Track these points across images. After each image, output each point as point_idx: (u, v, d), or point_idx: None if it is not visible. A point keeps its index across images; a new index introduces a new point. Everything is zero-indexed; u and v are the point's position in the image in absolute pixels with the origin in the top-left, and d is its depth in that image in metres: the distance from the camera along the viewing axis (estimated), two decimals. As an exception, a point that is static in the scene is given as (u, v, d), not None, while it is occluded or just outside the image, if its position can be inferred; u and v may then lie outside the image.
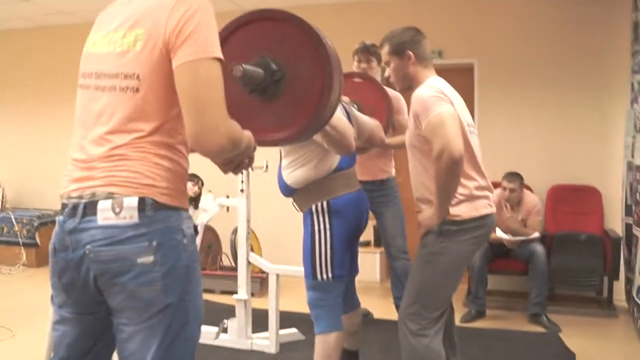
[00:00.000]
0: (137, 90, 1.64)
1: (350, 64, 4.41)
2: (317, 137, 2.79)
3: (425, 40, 2.96)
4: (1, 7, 6.56)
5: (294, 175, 3.00)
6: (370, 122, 3.30)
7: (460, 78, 6.05)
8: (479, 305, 5.03)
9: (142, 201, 1.60)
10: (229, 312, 4.25)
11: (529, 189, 5.42)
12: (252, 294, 5.32)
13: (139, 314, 1.65)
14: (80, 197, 1.65)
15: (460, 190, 2.74)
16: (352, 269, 3.18)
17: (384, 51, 2.97)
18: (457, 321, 4.82)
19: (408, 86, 2.96)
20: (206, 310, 5.24)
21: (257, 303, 4.76)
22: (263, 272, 5.00)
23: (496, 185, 5.28)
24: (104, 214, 1.60)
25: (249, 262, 4.17)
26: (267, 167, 3.96)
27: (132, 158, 1.63)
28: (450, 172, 2.60)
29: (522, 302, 5.27)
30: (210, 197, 5.86)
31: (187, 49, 1.59)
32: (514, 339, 4.40)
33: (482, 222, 2.81)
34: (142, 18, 1.67)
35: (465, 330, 4.64)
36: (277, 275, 4.13)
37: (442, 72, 5.82)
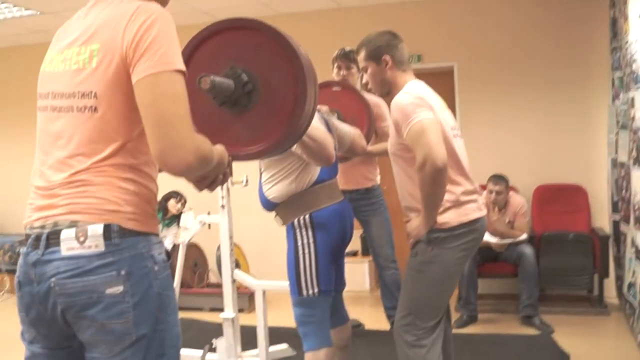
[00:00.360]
0: (96, 109, 1.55)
1: (329, 72, 4.36)
2: (296, 149, 2.72)
3: (402, 44, 2.90)
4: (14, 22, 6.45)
5: (274, 189, 2.94)
6: (350, 130, 3.23)
7: (441, 82, 6.00)
8: (470, 310, 4.98)
9: (107, 228, 1.52)
10: (219, 330, 4.16)
11: (514, 190, 5.39)
12: (242, 310, 5.26)
13: (109, 347, 1.56)
14: (42, 227, 1.57)
15: (446, 196, 2.68)
16: (339, 282, 3.12)
17: (361, 57, 2.91)
18: (449, 327, 4.80)
19: (387, 91, 2.90)
20: (195, 330, 5.19)
21: (247, 319, 4.68)
22: (251, 287, 4.92)
23: (482, 188, 5.25)
24: (68, 244, 1.52)
25: (234, 280, 4.08)
26: (247, 181, 3.89)
27: (94, 183, 1.55)
28: (434, 181, 2.54)
29: (513, 305, 5.24)
30: (191, 215, 5.75)
31: (145, 63, 1.49)
32: (508, 344, 4.35)
33: (472, 227, 2.75)
34: (97, 32, 1.58)
35: (458, 337, 4.54)
36: (264, 292, 4.05)
37: (421, 76, 5.76)
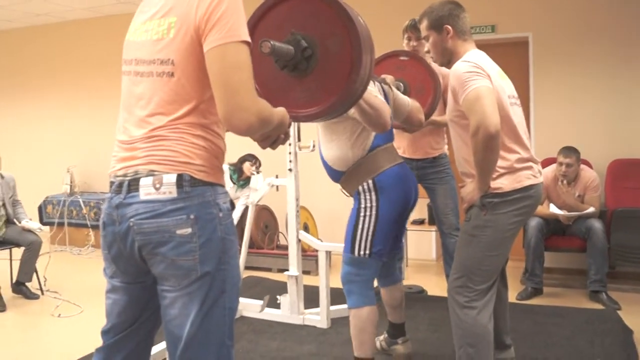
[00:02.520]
0: (172, 74, 1.75)
1: (399, 42, 4.39)
2: (354, 114, 2.81)
3: (465, 13, 2.93)
4: (61, 0, 6.84)
5: (332, 154, 3.05)
6: (409, 103, 3.29)
7: (515, 53, 5.96)
8: (535, 283, 4.96)
9: (180, 177, 1.71)
10: (284, 288, 4.35)
11: (587, 164, 5.28)
12: (308, 272, 5.45)
13: (179, 281, 1.75)
14: (125, 175, 1.77)
15: (500, 163, 2.72)
16: (395, 246, 3.20)
17: (423, 26, 2.96)
18: (513, 299, 4.81)
19: (448, 60, 2.94)
20: (262, 286, 5.40)
21: (312, 281, 4.85)
22: (318, 250, 5.08)
23: (553, 160, 5.18)
24: (146, 190, 1.72)
25: (299, 240, 4.25)
26: (314, 146, 4.01)
27: (170, 138, 1.74)
28: (487, 147, 2.58)
29: (581, 280, 5.17)
30: (260, 177, 5.97)
31: (215, 34, 1.67)
32: (569, 316, 4.32)
33: (526, 194, 2.77)
34: (174, 6, 1.77)
35: (520, 307, 4.60)
36: (328, 253, 4.19)
37: (495, 47, 5.77)
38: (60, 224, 7.41)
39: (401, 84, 3.71)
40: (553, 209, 4.98)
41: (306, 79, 2.17)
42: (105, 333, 1.96)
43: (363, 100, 2.60)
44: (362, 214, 2.99)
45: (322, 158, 3.17)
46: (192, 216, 1.71)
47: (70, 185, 7.58)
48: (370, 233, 2.97)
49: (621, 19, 5.51)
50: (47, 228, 7.26)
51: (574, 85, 5.72)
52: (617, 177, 5.45)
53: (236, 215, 5.86)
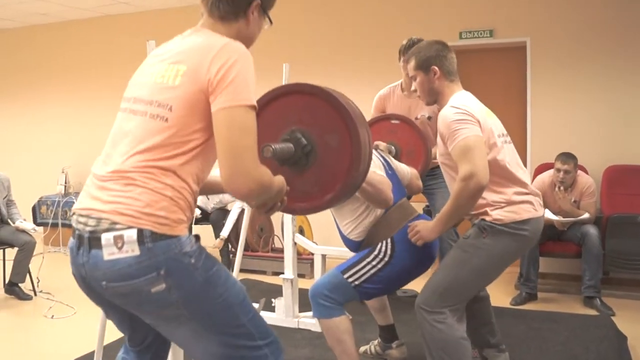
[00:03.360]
0: (166, 120, 1.74)
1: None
2: (357, 194, 2.79)
3: (452, 54, 2.95)
4: (61, 0, 6.83)
5: (356, 233, 3.06)
6: (408, 171, 3.34)
7: (513, 57, 5.98)
8: (530, 288, 4.96)
9: (140, 233, 1.65)
10: (279, 291, 4.34)
11: (583, 169, 5.29)
12: (303, 276, 5.44)
13: (170, 326, 1.77)
14: (86, 223, 1.72)
15: (497, 197, 2.76)
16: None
17: (410, 66, 2.99)
18: (507, 304, 4.82)
19: (434, 100, 2.98)
20: (257, 290, 5.38)
21: (308, 284, 4.82)
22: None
23: (550, 166, 5.19)
24: (109, 250, 1.67)
25: (294, 243, 4.24)
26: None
27: (138, 184, 1.70)
28: (473, 196, 2.62)
29: (575, 286, 5.18)
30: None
31: (225, 96, 1.69)
32: (564, 322, 4.33)
33: (525, 226, 2.78)
34: (187, 56, 1.79)
35: (514, 312, 4.61)
36: (323, 256, 4.19)
37: (493, 51, 5.78)
38: (55, 225, 7.38)
39: (393, 147, 3.77)
40: (548, 215, 4.97)
41: (305, 173, 2.16)
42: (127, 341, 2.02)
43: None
44: (374, 253, 2.97)
45: (342, 235, 3.17)
46: (162, 272, 1.66)
47: (65, 186, 7.55)
48: (372, 271, 2.95)
49: (619, 25, 5.53)
50: (41, 229, 7.22)
51: (571, 91, 5.73)
52: (612, 183, 5.47)
53: (232, 219, 5.85)
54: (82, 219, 1.73)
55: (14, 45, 8.42)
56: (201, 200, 6.20)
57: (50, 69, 8.16)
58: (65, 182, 7.57)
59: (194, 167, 1.75)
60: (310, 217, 6.08)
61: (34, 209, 7.53)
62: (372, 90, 4.63)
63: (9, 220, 5.36)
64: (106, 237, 1.66)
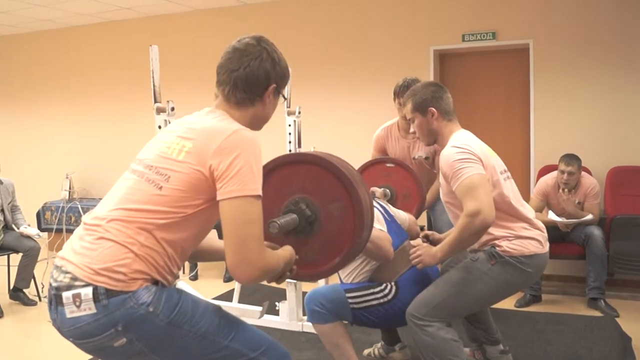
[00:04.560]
0: (160, 188, 1.78)
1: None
2: None
3: (447, 94, 3.00)
4: (64, 5, 6.85)
5: (358, 280, 3.08)
6: (407, 218, 3.37)
7: (515, 60, 5.98)
8: (534, 290, 4.96)
9: (95, 291, 1.68)
10: (283, 294, 4.34)
11: (587, 171, 5.28)
12: (307, 279, 5.42)
13: None
14: (56, 278, 1.76)
15: (504, 232, 2.80)
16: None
17: (407, 108, 3.03)
18: (512, 306, 4.81)
19: (433, 140, 3.02)
20: (261, 293, 5.38)
21: (311, 287, 4.81)
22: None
23: (554, 167, 5.18)
24: (69, 308, 1.71)
25: (298, 246, 4.24)
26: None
27: (108, 238, 1.73)
28: (477, 232, 2.66)
29: (580, 287, 5.18)
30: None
31: (231, 186, 1.73)
32: (568, 323, 4.33)
33: (531, 262, 2.81)
34: (196, 134, 1.83)
35: (519, 314, 4.60)
36: (327, 259, 4.18)
37: (496, 53, 5.79)
38: (59, 230, 7.38)
39: (388, 191, 3.82)
40: (552, 216, 4.97)
41: (310, 241, 2.19)
42: None
43: None
44: (380, 288, 2.99)
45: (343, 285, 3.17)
46: (119, 327, 1.68)
47: (69, 192, 7.57)
48: (373, 303, 2.97)
49: (621, 27, 5.53)
50: (45, 234, 7.25)
51: (574, 92, 5.73)
52: (616, 185, 5.45)
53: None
54: (54, 272, 1.78)
55: (18, 51, 8.45)
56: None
57: (54, 75, 8.19)
58: (70, 188, 7.59)
59: (173, 233, 1.76)
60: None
61: (38, 214, 7.55)
62: (376, 98, 4.64)
63: (14, 226, 5.37)
64: (66, 296, 1.70)
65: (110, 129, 7.69)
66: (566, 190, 5.00)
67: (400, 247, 3.06)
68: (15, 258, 5.26)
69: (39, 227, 7.31)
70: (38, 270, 5.33)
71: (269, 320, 4.26)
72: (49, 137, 8.27)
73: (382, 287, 2.98)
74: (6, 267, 5.36)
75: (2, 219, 5.31)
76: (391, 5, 6.35)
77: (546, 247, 2.90)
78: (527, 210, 2.92)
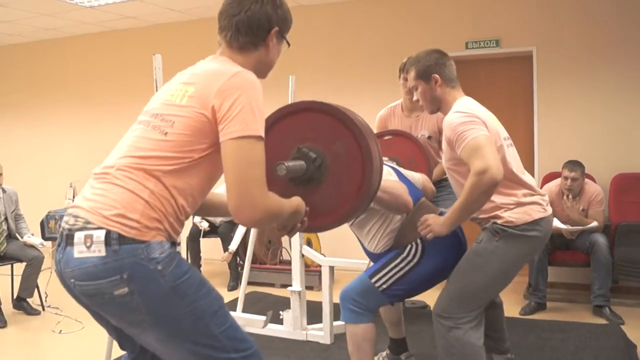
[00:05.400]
0: (165, 134, 1.78)
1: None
2: (374, 205, 2.78)
3: (450, 61, 2.97)
4: (69, 14, 6.87)
5: (382, 245, 3.04)
6: (419, 176, 3.32)
7: (519, 67, 5.99)
8: (539, 298, 4.95)
9: (108, 235, 1.68)
10: (287, 304, 4.33)
11: (591, 178, 5.28)
12: (311, 288, 5.43)
13: (135, 330, 1.78)
14: (67, 222, 1.77)
15: (507, 199, 2.75)
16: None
17: (410, 76, 3.01)
18: (517, 314, 4.79)
19: (437, 108, 2.99)
20: (265, 302, 5.38)
21: (316, 296, 4.83)
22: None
23: (557, 175, 5.18)
24: (79, 247, 1.70)
25: (302, 255, 4.24)
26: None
27: (118, 184, 1.74)
28: (486, 191, 2.58)
29: (585, 295, 5.15)
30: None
31: (233, 127, 1.72)
32: (573, 331, 4.30)
33: (536, 227, 2.78)
34: (198, 79, 1.83)
35: (524, 322, 4.58)
36: (331, 268, 4.18)
37: (500, 61, 5.79)
38: (63, 239, 7.37)
39: (394, 161, 3.76)
40: (556, 224, 4.96)
41: (322, 188, 2.17)
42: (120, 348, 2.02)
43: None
44: (403, 255, 2.94)
45: (368, 253, 3.15)
46: (125, 276, 1.67)
47: (73, 200, 7.52)
48: (401, 273, 2.92)
49: (624, 34, 5.53)
50: (49, 243, 7.22)
51: (577, 99, 5.73)
52: (620, 192, 5.44)
53: (240, 232, 5.85)
54: (66, 217, 1.78)
55: (22, 60, 8.48)
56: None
57: (59, 84, 8.21)
58: (74, 197, 7.57)
59: (181, 180, 1.76)
60: (317, 229, 6.08)
61: (42, 223, 7.52)
62: (378, 102, 4.65)
63: (17, 235, 5.38)
64: (78, 236, 1.70)
65: (113, 137, 7.62)
66: (570, 197, 4.99)
67: (418, 204, 3.00)
68: (19, 267, 5.26)
69: (43, 236, 7.27)
70: (42, 280, 5.32)
71: (273, 330, 4.25)
72: (53, 145, 8.29)
73: (406, 252, 2.92)
74: (10, 277, 5.36)
75: (5, 228, 5.31)
76: (394, 13, 6.36)
77: (549, 210, 2.85)
78: (529, 178, 2.87)
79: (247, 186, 1.69)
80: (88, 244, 1.68)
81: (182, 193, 1.77)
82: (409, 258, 2.92)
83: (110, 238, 1.67)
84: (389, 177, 2.87)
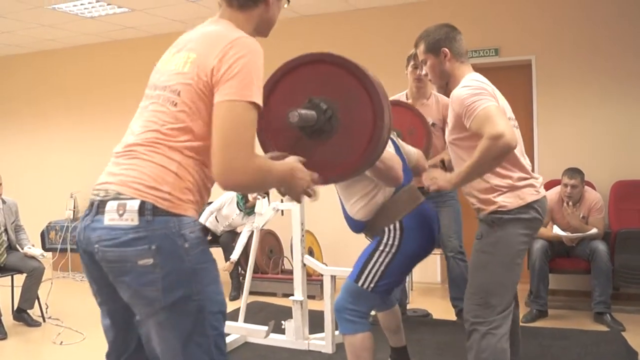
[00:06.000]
0: (175, 105, 1.79)
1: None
2: (367, 172, 2.79)
3: (460, 36, 2.94)
4: (69, 25, 6.90)
5: (363, 212, 3.02)
6: (414, 152, 3.32)
7: (518, 75, 6.01)
8: (540, 305, 4.95)
9: (142, 205, 1.70)
10: (289, 313, 4.33)
11: (591, 185, 5.29)
12: (313, 297, 5.42)
13: (143, 309, 1.77)
14: (97, 194, 1.79)
15: (501, 182, 2.72)
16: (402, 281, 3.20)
17: (420, 50, 2.97)
18: (518, 321, 4.78)
19: (445, 83, 2.95)
20: (267, 312, 5.37)
21: (317, 305, 4.83)
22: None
23: (557, 182, 5.19)
24: (110, 215, 1.72)
25: (304, 264, 4.24)
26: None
27: (145, 159, 1.76)
28: (497, 156, 2.53)
29: (586, 302, 5.15)
30: (265, 202, 5.97)
31: (229, 89, 1.71)
32: (575, 338, 4.30)
33: (530, 209, 2.75)
34: (198, 44, 1.84)
35: (525, 329, 4.53)
36: (333, 277, 4.18)
37: (499, 69, 5.81)
38: (63, 250, 7.37)
39: (394, 132, 3.76)
40: (557, 231, 4.98)
41: (333, 139, 2.18)
42: (107, 356, 1.98)
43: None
44: (380, 248, 2.95)
45: (346, 215, 3.14)
46: (153, 247, 1.69)
47: (74, 211, 7.56)
48: (383, 266, 2.93)
49: (624, 42, 5.56)
50: (49, 254, 7.23)
51: (576, 107, 5.75)
52: (620, 199, 5.45)
53: (242, 241, 5.85)
54: (95, 192, 1.80)
55: (23, 71, 8.51)
56: (210, 223, 6.21)
57: (59, 94, 8.24)
58: (74, 207, 7.58)
59: (201, 150, 1.76)
60: (319, 238, 6.09)
61: (42, 234, 7.55)
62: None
63: (18, 246, 5.37)
64: (111, 204, 1.72)
65: (114, 147, 7.69)
66: (570, 204, 5.01)
67: (406, 187, 3.00)
68: (19, 278, 5.24)
69: (44, 247, 7.30)
70: (42, 291, 5.31)
71: (275, 340, 4.25)
72: (54, 156, 8.31)
73: (383, 244, 2.92)
74: (10, 288, 5.35)
75: (5, 239, 5.30)
76: (395, 23, 6.38)
77: (542, 192, 2.83)
78: (527, 161, 2.85)
79: (234, 149, 1.68)
80: (121, 212, 1.70)
81: (206, 161, 1.78)
82: (388, 248, 2.92)
83: (144, 208, 1.69)
84: (388, 148, 2.88)
